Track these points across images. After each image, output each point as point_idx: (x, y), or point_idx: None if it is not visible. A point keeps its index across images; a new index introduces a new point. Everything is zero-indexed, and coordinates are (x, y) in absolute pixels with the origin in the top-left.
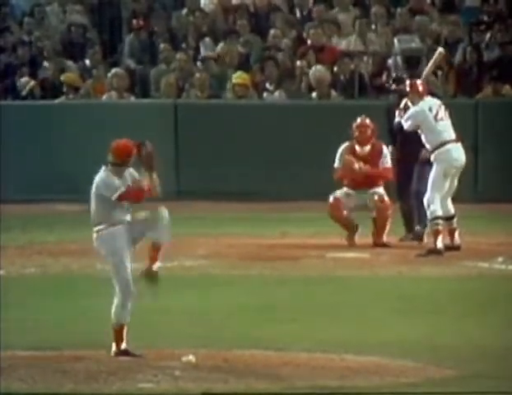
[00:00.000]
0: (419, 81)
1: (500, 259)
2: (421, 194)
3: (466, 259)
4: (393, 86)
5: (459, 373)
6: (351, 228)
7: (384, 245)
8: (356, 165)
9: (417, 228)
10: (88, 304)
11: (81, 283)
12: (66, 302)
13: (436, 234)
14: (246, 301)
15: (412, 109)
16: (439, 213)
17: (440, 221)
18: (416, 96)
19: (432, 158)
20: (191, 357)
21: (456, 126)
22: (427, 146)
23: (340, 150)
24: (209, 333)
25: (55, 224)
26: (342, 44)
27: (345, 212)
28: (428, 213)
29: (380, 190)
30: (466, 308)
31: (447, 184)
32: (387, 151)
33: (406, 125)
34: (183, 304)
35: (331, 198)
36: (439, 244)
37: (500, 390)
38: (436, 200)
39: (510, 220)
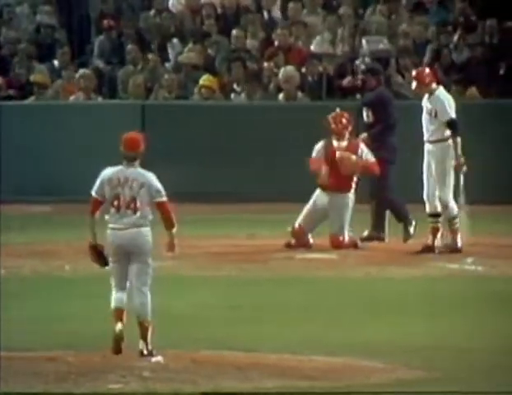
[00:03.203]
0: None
1: (469, 260)
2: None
3: (435, 260)
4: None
5: (429, 373)
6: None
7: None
8: (354, 157)
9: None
10: (58, 306)
11: (50, 284)
12: (36, 303)
13: (455, 232)
14: (214, 302)
15: (444, 99)
16: (456, 212)
17: (458, 219)
18: (432, 85)
19: (437, 151)
20: (160, 358)
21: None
22: (445, 134)
23: (317, 146)
24: (177, 334)
25: (25, 225)
26: (310, 46)
27: (308, 236)
28: (447, 212)
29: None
30: (435, 309)
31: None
32: (366, 149)
33: (454, 114)
34: (152, 305)
35: (296, 225)
36: (459, 242)
37: (469, 390)
38: (451, 197)
39: (485, 222)
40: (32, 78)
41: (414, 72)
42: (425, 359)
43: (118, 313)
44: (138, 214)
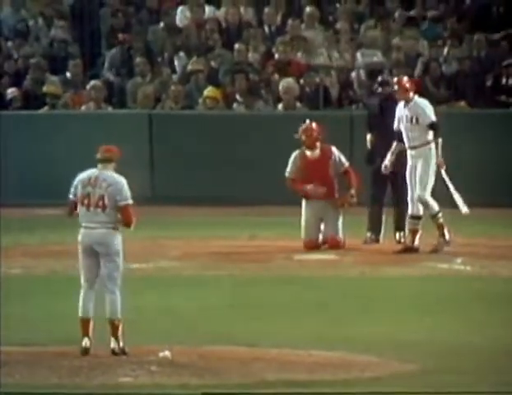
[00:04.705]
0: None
1: (458, 260)
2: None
3: (427, 260)
4: (379, 89)
5: (421, 367)
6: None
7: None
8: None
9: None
10: (70, 304)
11: (63, 283)
12: (50, 301)
13: (441, 227)
14: (218, 300)
15: (423, 104)
16: (437, 208)
17: (441, 214)
18: (410, 93)
19: (421, 155)
20: (167, 353)
21: None
22: (428, 138)
23: (292, 157)
24: (183, 331)
25: (36, 227)
26: (309, 59)
27: (319, 240)
28: (428, 210)
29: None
30: (426, 306)
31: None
32: (338, 152)
33: (434, 117)
34: (159, 303)
35: (304, 239)
36: (448, 236)
37: (458, 383)
38: (429, 195)
39: (471, 224)
40: (45, 89)
41: (395, 79)
42: (417, 353)
43: (85, 325)
44: (107, 211)
